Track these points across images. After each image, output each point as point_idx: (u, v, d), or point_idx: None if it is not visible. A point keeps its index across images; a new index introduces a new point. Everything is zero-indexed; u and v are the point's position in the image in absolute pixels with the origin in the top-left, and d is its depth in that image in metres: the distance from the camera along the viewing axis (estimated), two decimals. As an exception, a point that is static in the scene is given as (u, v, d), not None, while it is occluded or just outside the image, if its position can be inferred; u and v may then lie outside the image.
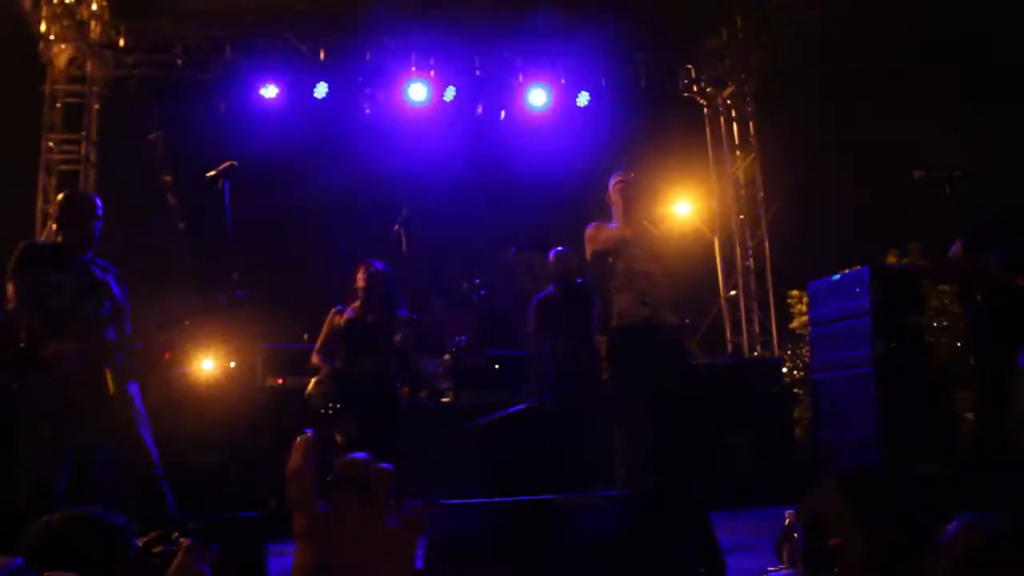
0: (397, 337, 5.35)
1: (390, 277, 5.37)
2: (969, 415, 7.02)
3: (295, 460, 1.05)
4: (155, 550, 2.08)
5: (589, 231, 4.59)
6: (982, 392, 5.04)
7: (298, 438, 1.06)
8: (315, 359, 5.32)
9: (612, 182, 4.61)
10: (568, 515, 3.03)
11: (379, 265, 5.39)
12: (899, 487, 3.32)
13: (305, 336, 6.48)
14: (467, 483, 6.33)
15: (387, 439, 4.90)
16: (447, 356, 6.88)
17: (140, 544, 2.07)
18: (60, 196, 4.35)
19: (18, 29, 8.38)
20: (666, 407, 4.25)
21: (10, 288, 4.02)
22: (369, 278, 5.31)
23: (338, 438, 4.98)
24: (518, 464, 6.69)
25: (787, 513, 3.46)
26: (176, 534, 2.11)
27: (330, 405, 4.98)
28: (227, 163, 4.17)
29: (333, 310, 5.39)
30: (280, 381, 6.58)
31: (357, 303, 5.32)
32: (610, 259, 4.48)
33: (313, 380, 5.14)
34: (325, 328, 5.39)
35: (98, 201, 4.27)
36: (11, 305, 3.97)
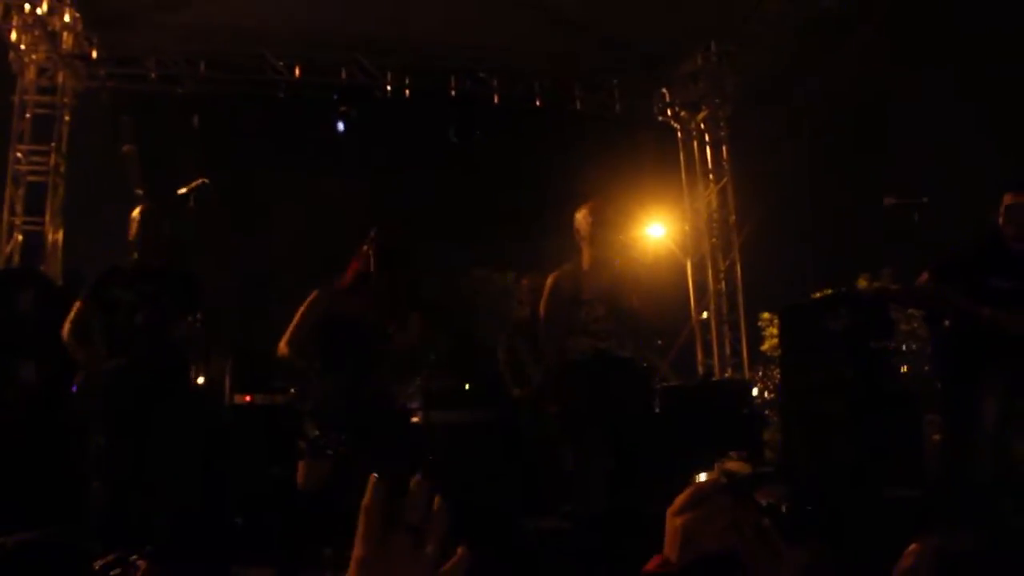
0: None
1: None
2: (936, 437, 7.09)
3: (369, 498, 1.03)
4: (113, 573, 2.04)
5: (550, 282, 4.37)
6: (947, 415, 5.11)
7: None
8: (287, 351, 4.27)
9: (579, 214, 4.41)
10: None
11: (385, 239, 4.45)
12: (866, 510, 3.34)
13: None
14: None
15: (403, 469, 4.50)
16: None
17: (97, 566, 2.04)
18: (135, 213, 4.54)
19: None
20: (621, 434, 4.22)
21: (73, 310, 4.43)
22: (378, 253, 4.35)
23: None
24: (487, 482, 6.65)
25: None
26: (135, 556, 2.07)
27: (331, 435, 4.19)
28: (199, 180, 4.21)
29: (331, 289, 4.43)
30: (248, 398, 6.49)
31: (357, 287, 4.38)
32: (570, 311, 4.34)
33: (294, 391, 4.43)
34: (313, 311, 4.36)
35: (163, 217, 4.51)
36: (63, 334, 4.37)
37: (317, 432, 4.21)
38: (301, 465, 4.36)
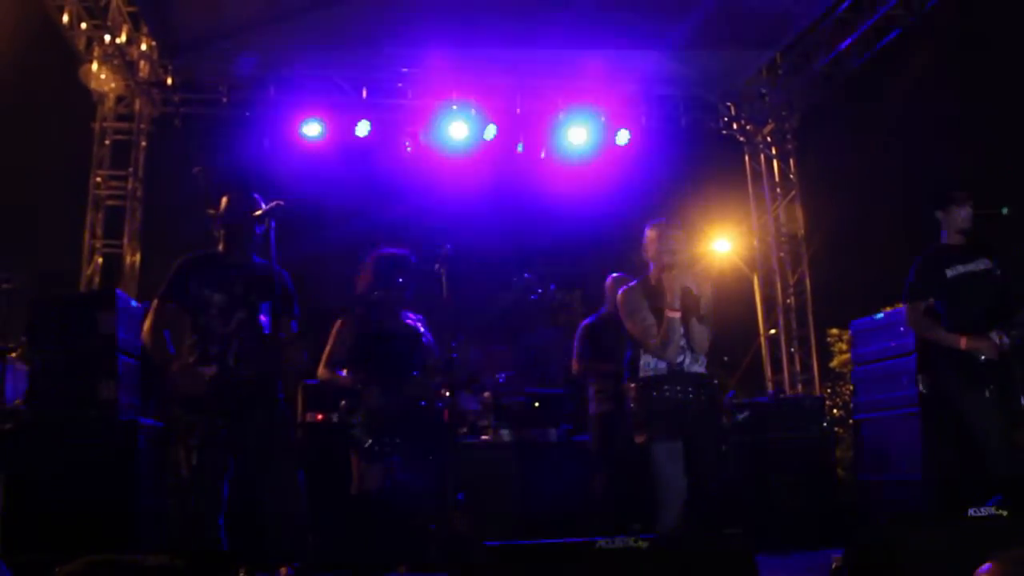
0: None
1: (410, 263, 4.68)
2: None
3: None
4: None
5: (621, 297, 4.49)
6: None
7: None
8: (326, 373, 4.61)
9: (648, 233, 4.47)
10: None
11: (389, 250, 4.73)
12: (948, 532, 3.26)
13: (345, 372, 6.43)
14: (506, 521, 6.30)
15: (440, 477, 4.51)
16: (487, 394, 6.87)
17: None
18: (223, 198, 4.12)
19: (70, 68, 8.61)
20: (699, 452, 4.24)
21: (150, 311, 3.99)
22: (383, 265, 4.65)
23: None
24: (557, 501, 6.64)
25: (833, 557, 3.40)
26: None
27: (372, 441, 4.44)
28: (273, 202, 4.03)
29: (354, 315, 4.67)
30: (320, 417, 6.57)
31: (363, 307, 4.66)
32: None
33: (344, 404, 4.56)
34: (343, 336, 4.66)
35: (257, 199, 4.06)
36: (143, 335, 3.96)
37: (370, 440, 4.42)
38: (354, 472, 4.52)
